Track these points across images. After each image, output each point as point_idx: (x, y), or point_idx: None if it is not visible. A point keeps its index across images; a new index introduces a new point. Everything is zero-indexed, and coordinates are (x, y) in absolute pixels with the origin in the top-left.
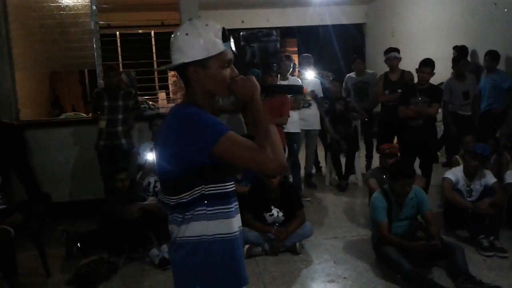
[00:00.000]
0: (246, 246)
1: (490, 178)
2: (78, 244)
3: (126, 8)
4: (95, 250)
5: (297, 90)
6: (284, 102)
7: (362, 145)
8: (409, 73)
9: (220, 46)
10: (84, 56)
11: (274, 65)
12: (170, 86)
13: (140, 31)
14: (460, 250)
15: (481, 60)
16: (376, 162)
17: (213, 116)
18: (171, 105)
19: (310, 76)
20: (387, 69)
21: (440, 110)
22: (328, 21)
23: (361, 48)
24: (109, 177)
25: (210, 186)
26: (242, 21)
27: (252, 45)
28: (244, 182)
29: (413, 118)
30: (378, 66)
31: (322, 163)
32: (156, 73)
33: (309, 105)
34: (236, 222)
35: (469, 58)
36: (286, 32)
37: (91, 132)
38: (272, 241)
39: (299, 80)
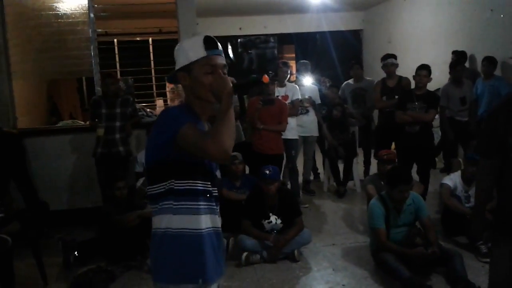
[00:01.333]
0: (245, 254)
1: None
2: (76, 253)
3: (123, 16)
4: (93, 258)
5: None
6: (282, 109)
7: (360, 151)
8: (406, 79)
9: (200, 53)
10: (82, 64)
11: (271, 72)
12: (167, 93)
13: (138, 39)
14: (458, 256)
15: (478, 65)
16: (374, 168)
17: (188, 114)
18: None
19: (307, 82)
20: (384, 75)
21: (437, 116)
22: (325, 28)
23: (358, 54)
24: (108, 185)
25: (180, 181)
26: (240, 28)
27: (249, 51)
28: (242, 190)
29: (409, 124)
30: (375, 72)
31: (320, 170)
32: (153, 80)
33: (307, 111)
34: (205, 220)
35: (466, 64)
36: (284, 39)
37: (89, 139)
38: (271, 249)
39: (297, 86)
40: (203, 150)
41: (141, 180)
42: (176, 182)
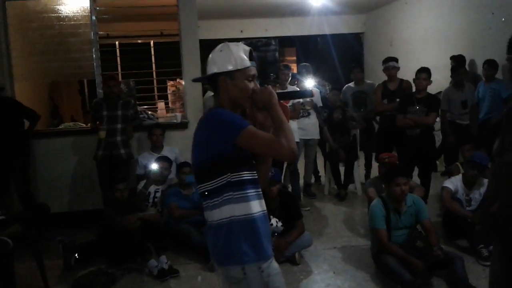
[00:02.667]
0: None
1: None
2: (76, 255)
3: (125, 18)
4: (93, 261)
5: (308, 94)
6: (284, 112)
7: (361, 154)
8: (407, 82)
9: (246, 63)
10: (84, 66)
11: (272, 74)
12: (169, 96)
13: (139, 41)
14: (459, 259)
15: (479, 69)
16: (375, 171)
17: (236, 114)
18: (170, 114)
19: (309, 85)
20: (385, 78)
21: (438, 119)
22: (327, 31)
23: (360, 58)
24: (109, 187)
25: (235, 174)
26: (241, 31)
27: None
28: None
29: (410, 127)
30: (376, 76)
31: (321, 173)
32: (155, 82)
33: (308, 114)
34: (257, 205)
35: (467, 67)
36: (285, 42)
37: (90, 142)
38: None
39: (298, 89)
40: (277, 150)
41: (142, 183)
42: (232, 174)
